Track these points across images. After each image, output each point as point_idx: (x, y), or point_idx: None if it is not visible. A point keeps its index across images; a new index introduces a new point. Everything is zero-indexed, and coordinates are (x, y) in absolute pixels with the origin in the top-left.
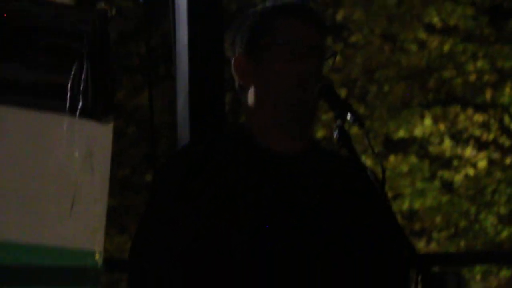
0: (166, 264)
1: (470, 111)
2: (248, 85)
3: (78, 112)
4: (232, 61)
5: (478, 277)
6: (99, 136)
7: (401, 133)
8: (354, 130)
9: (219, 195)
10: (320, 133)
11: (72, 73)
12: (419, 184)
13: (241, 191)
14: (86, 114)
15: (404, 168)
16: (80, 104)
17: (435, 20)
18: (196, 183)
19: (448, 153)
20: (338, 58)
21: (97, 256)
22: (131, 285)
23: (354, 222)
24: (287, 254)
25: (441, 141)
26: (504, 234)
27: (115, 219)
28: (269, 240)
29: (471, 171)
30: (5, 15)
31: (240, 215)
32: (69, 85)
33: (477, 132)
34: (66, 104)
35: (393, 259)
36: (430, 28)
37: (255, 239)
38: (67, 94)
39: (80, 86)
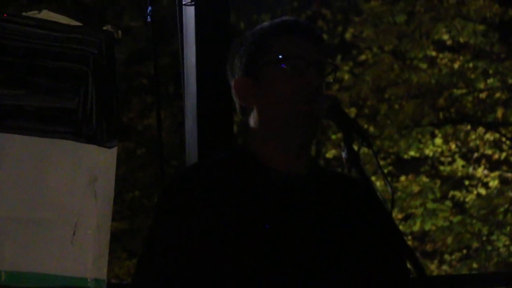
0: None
1: (481, 129)
2: (250, 106)
3: (82, 137)
4: (232, 84)
5: None
6: (103, 161)
7: (412, 152)
8: (364, 149)
9: (224, 216)
10: (330, 153)
11: (77, 97)
12: (430, 205)
13: (246, 211)
14: (90, 139)
15: (415, 188)
16: (85, 128)
17: (445, 37)
18: (200, 204)
19: (459, 173)
20: (347, 77)
21: (100, 284)
22: None
23: (360, 242)
24: (293, 275)
25: (452, 161)
26: None
27: (125, 242)
28: (275, 260)
29: (482, 191)
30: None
31: (246, 235)
32: (73, 109)
33: (489, 151)
34: (70, 129)
35: (401, 280)
36: (440, 46)
37: (262, 258)
38: (71, 118)
39: (85, 111)
